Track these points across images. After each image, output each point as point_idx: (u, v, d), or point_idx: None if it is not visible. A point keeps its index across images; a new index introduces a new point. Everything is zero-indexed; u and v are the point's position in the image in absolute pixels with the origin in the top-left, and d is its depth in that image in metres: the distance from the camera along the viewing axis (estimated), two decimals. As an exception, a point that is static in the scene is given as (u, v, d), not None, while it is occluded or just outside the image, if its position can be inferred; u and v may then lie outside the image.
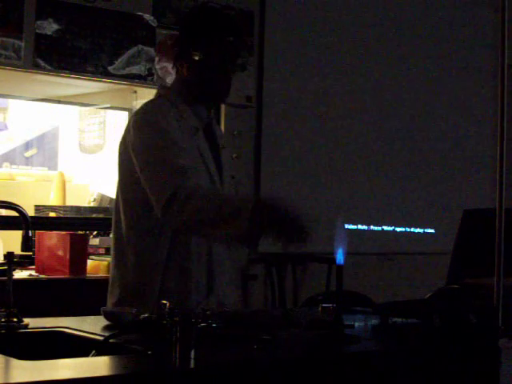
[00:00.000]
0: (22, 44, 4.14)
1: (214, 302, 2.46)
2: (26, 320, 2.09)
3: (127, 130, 2.57)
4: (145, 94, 4.94)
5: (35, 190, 4.90)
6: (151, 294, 2.49)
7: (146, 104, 2.66)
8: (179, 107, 2.61)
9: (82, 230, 4.33)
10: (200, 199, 2.36)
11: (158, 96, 2.70)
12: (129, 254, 2.55)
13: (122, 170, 2.59)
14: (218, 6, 2.86)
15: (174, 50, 2.69)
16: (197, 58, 2.59)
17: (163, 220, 2.42)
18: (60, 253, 3.99)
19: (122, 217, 2.56)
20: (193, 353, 1.67)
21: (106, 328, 2.10)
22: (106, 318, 2.19)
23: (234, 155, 4.93)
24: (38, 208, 4.56)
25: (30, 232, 2.29)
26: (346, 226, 5.39)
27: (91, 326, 2.12)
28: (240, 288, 2.74)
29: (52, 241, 4.06)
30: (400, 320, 2.33)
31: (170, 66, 4.63)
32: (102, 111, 5.33)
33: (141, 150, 2.49)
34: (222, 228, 2.35)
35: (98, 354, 1.78)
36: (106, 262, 4.16)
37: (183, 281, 2.50)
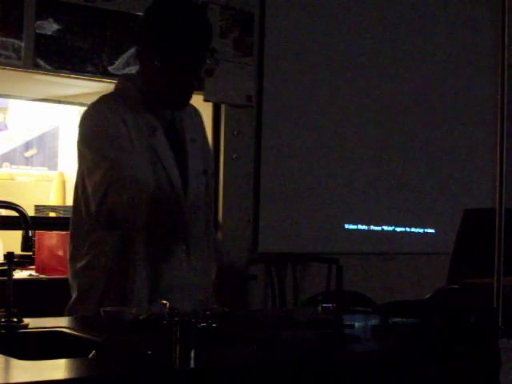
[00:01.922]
0: (22, 44, 4.14)
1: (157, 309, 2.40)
2: (26, 320, 2.09)
3: (78, 129, 2.61)
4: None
5: (35, 190, 4.90)
6: (95, 296, 2.48)
7: (94, 102, 2.58)
8: (136, 105, 2.51)
9: (82, 230, 4.32)
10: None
11: (116, 89, 2.60)
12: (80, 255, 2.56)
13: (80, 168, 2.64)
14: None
15: (136, 46, 2.57)
16: (153, 61, 2.46)
17: (97, 215, 2.44)
18: (60, 253, 3.99)
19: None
20: (193, 353, 1.67)
21: (105, 328, 2.10)
22: (106, 317, 2.19)
23: (235, 155, 4.93)
24: (38, 208, 4.56)
25: (30, 232, 2.29)
26: (346, 226, 5.40)
27: (91, 326, 2.12)
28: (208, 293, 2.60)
29: (52, 241, 4.06)
30: (400, 320, 2.33)
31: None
32: (102, 111, 5.32)
33: (84, 148, 2.58)
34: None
35: (98, 354, 1.78)
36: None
37: (125, 287, 2.46)
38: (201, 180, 2.60)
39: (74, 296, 2.54)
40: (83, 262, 2.51)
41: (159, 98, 2.51)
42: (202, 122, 2.75)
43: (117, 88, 2.61)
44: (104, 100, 2.56)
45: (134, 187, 2.39)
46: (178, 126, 2.59)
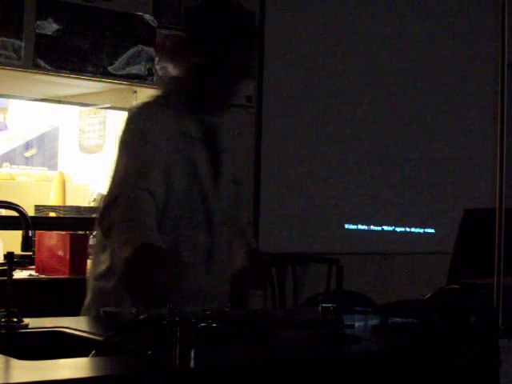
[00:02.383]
0: (22, 44, 4.14)
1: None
2: (26, 320, 2.09)
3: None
4: (145, 94, 4.94)
5: (35, 190, 4.90)
6: (108, 302, 2.43)
7: (140, 104, 2.57)
8: (179, 113, 2.49)
9: (81, 230, 4.33)
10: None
11: (159, 95, 2.57)
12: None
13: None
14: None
15: (178, 48, 2.59)
16: (197, 60, 2.46)
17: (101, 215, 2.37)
18: (60, 253, 3.99)
19: None
20: (193, 353, 1.67)
21: (105, 328, 2.10)
22: (106, 317, 2.19)
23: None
24: (37, 208, 4.56)
25: (30, 232, 2.29)
26: (346, 226, 5.40)
27: (91, 326, 2.12)
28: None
29: (52, 241, 4.06)
30: (400, 320, 2.33)
31: (170, 65, 4.64)
32: (102, 111, 5.32)
33: (117, 148, 2.45)
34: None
35: (98, 354, 1.78)
36: (105, 262, 4.15)
37: (140, 296, 2.41)
38: (231, 190, 2.59)
39: (88, 297, 2.54)
40: (102, 268, 2.50)
41: (201, 99, 2.49)
42: (235, 127, 2.73)
43: (163, 91, 2.60)
44: (150, 106, 2.54)
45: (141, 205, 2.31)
46: (216, 133, 2.56)
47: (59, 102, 5.17)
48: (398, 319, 2.34)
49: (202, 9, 2.55)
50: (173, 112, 2.48)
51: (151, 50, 4.57)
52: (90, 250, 4.27)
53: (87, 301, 2.54)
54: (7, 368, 1.62)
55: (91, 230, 4.51)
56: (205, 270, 2.50)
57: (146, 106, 2.55)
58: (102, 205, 2.42)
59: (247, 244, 2.67)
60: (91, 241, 4.44)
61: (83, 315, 2.49)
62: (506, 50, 2.33)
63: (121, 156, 2.44)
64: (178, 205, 2.43)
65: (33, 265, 4.06)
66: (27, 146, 5.73)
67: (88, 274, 2.58)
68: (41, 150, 5.70)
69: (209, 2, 2.58)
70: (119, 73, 4.46)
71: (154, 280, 2.13)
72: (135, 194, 2.32)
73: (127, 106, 5.08)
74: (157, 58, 4.59)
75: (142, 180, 2.34)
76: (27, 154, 5.71)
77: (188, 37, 2.52)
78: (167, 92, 2.58)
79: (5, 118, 5.68)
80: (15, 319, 2.07)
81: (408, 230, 5.72)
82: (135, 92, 4.96)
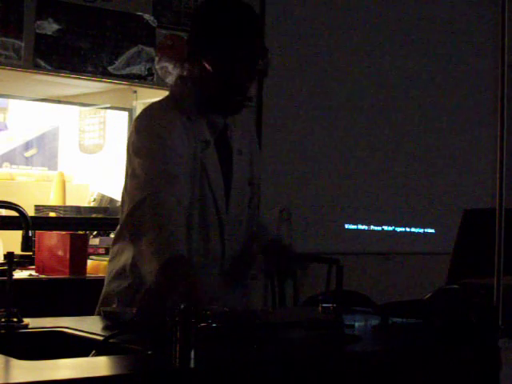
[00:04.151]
0: (22, 44, 4.14)
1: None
2: (26, 320, 2.09)
3: (130, 132, 2.48)
4: (145, 94, 4.94)
5: (35, 190, 4.90)
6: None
7: (151, 106, 2.51)
8: (191, 115, 2.44)
9: (82, 230, 4.33)
10: (156, 219, 2.17)
11: (168, 98, 2.52)
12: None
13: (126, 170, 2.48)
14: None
15: (186, 48, 2.48)
16: (207, 61, 2.41)
17: (125, 221, 2.30)
18: (60, 253, 3.99)
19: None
20: (193, 353, 1.66)
21: (105, 328, 2.10)
22: (106, 317, 2.19)
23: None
24: (37, 208, 4.56)
25: (30, 232, 2.29)
26: (346, 226, 5.40)
27: (91, 326, 2.12)
28: None
29: (52, 241, 4.06)
30: (400, 320, 2.33)
31: (170, 65, 4.63)
32: (102, 111, 5.33)
33: (133, 153, 2.38)
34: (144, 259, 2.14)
35: (98, 354, 1.78)
36: (105, 262, 4.15)
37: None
38: (245, 192, 2.55)
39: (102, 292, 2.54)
40: (113, 268, 2.50)
41: (211, 102, 2.46)
42: (253, 132, 2.71)
43: (172, 92, 2.55)
44: (161, 109, 2.48)
45: (168, 209, 2.21)
46: (228, 135, 2.53)
47: (59, 101, 5.17)
48: (398, 319, 2.34)
49: (205, 10, 2.51)
50: (184, 115, 2.43)
51: (151, 50, 4.57)
52: (89, 250, 4.28)
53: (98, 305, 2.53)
54: (7, 368, 1.62)
55: (91, 230, 4.53)
56: (218, 272, 2.48)
57: (157, 109, 2.49)
58: (125, 210, 2.32)
59: (264, 235, 2.66)
60: (91, 241, 4.46)
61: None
62: (506, 50, 2.33)
63: (138, 160, 2.35)
64: (191, 211, 2.39)
65: (33, 265, 4.06)
66: (27, 145, 5.73)
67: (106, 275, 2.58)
68: (41, 150, 5.70)
69: (211, 2, 2.53)
70: (119, 73, 4.46)
71: (180, 293, 1.99)
72: (161, 199, 2.23)
73: (127, 106, 5.09)
74: (157, 58, 4.59)
75: (167, 186, 2.27)
76: (27, 154, 5.71)
77: (194, 38, 2.47)
78: (176, 95, 2.52)
79: (5, 118, 5.69)
80: (15, 319, 2.07)
81: (408, 230, 5.72)
82: (135, 92, 4.97)
